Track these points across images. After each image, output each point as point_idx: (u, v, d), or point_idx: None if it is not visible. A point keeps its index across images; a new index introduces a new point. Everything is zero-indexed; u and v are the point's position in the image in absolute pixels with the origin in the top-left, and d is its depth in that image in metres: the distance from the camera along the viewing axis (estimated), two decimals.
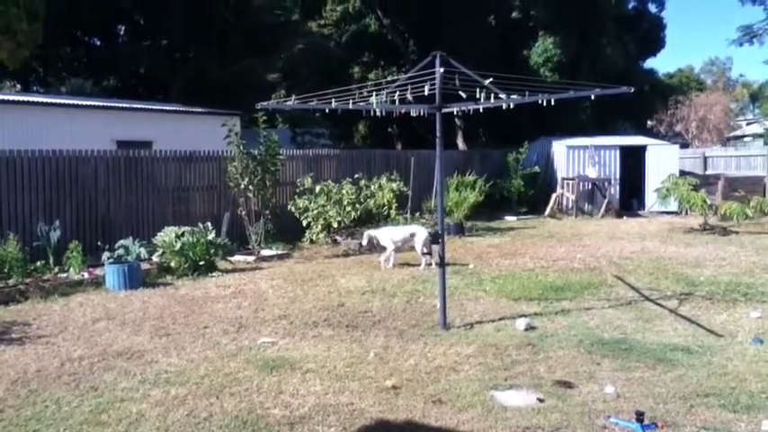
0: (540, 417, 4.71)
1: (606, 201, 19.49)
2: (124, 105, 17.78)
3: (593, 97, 7.16)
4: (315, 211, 13.41)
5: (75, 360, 6.13)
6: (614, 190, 20.18)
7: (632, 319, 7.36)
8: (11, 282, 9.03)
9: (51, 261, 9.98)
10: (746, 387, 5.23)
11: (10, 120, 13.92)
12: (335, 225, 13.33)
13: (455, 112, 7.88)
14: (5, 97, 16.76)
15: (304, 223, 13.53)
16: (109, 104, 17.75)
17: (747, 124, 43.65)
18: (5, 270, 9.23)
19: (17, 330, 7.24)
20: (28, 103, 15.68)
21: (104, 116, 16.27)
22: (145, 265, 10.30)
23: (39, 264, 9.79)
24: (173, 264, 10.44)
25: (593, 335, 6.75)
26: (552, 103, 6.79)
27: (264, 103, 8.01)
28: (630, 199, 20.39)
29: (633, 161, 20.38)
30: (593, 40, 24.17)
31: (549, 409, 4.84)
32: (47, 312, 8.08)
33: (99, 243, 10.71)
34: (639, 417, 4.49)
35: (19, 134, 13.43)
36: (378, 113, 7.18)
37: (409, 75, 7.09)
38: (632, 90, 6.77)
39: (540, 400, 5.02)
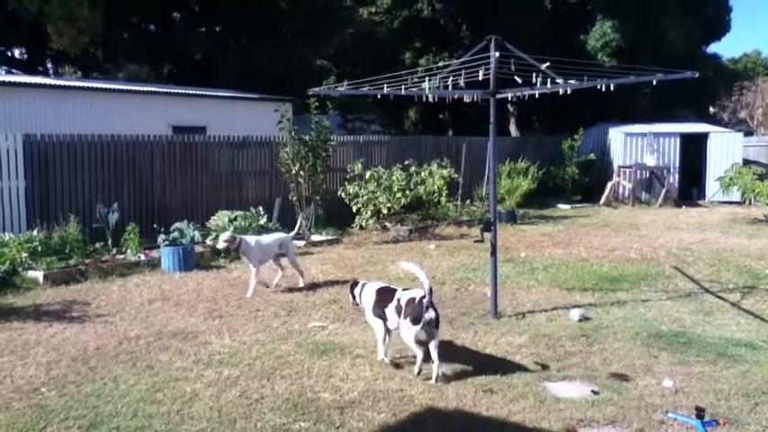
0: (595, 409, 4.60)
1: (665, 190, 18.92)
2: (179, 91, 18.09)
3: (654, 83, 6.89)
4: (365, 198, 13.41)
5: (132, 339, 6.29)
6: (673, 178, 19.57)
7: (692, 312, 7.12)
8: (71, 262, 9.32)
9: (110, 243, 10.26)
10: None
11: (71, 105, 14.33)
12: (385, 211, 13.30)
13: (509, 98, 7.74)
14: (68, 83, 17.28)
15: (354, 209, 13.55)
16: (165, 90, 18.10)
17: None
18: (66, 251, 9.53)
19: (77, 309, 7.47)
20: (88, 88, 16.11)
21: (160, 102, 16.60)
22: (198, 248, 10.50)
23: (98, 245, 10.08)
24: None
25: (651, 327, 6.55)
26: (612, 88, 6.59)
27: (317, 89, 8.01)
28: (690, 188, 19.77)
29: (694, 149, 19.73)
30: (654, 24, 23.35)
31: (604, 402, 4.72)
32: (105, 292, 8.31)
33: (155, 226, 10.96)
34: (700, 413, 4.32)
35: (79, 119, 13.82)
36: (430, 99, 7.08)
37: (463, 60, 6.96)
38: (696, 75, 6.49)
39: (595, 393, 4.90)
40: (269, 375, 5.28)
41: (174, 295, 8.13)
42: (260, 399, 4.82)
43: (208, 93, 18.36)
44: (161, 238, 10.33)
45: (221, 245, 8.21)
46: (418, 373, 5.21)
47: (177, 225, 10.80)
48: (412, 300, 5.20)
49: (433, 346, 5.12)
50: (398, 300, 5.30)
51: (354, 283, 5.94)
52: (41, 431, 4.34)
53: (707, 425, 4.25)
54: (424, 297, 5.11)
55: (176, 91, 18.08)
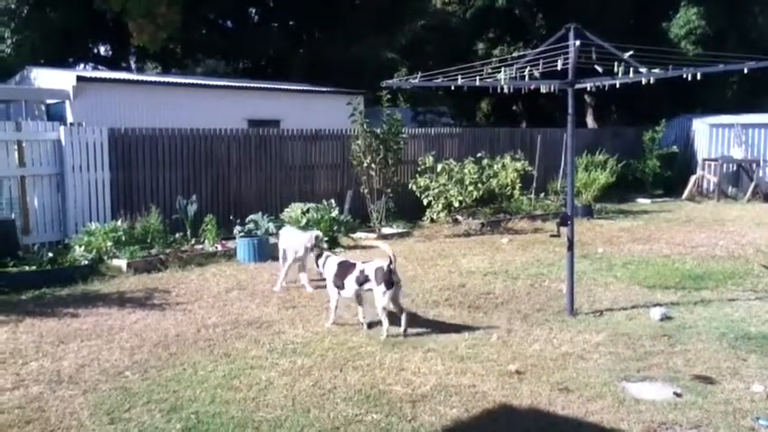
0: (678, 412, 4.41)
1: (753, 184, 17.93)
2: (254, 85, 18.48)
3: (745, 71, 6.52)
4: (436, 190, 13.32)
5: (210, 327, 6.47)
6: (763, 172, 18.51)
7: None
8: (153, 251, 9.67)
9: (188, 233, 10.59)
10: None
11: (154, 99, 14.87)
12: (456, 205, 13.17)
13: (587, 89, 7.48)
14: (151, 78, 17.97)
15: (425, 202, 13.48)
16: (240, 84, 18.53)
17: None
18: (148, 240, 9.90)
19: (158, 297, 7.75)
20: (169, 83, 16.68)
21: (236, 96, 17.00)
22: (272, 240, 10.67)
23: (177, 235, 10.43)
24: None
25: (738, 328, 6.22)
26: (698, 77, 6.27)
27: (390, 81, 7.97)
28: None
29: None
30: (742, 9, 22.15)
31: (688, 405, 4.51)
32: (184, 281, 8.59)
33: (231, 217, 11.23)
34: None
35: (161, 113, 14.33)
36: (504, 90, 6.93)
37: (540, 49, 6.77)
38: None
39: (677, 395, 4.69)
40: (341, 366, 5.32)
41: (249, 285, 8.31)
42: (333, 389, 4.85)
43: (282, 86, 18.69)
44: (237, 229, 10.58)
45: (309, 243, 7.75)
46: (386, 337, 5.96)
47: (252, 217, 11.04)
48: (380, 268, 6.05)
49: (401, 305, 6.13)
50: (361, 271, 6.15)
51: (319, 255, 6.80)
52: (126, 412, 4.52)
53: None
54: (390, 264, 5.97)
55: (252, 85, 18.48)
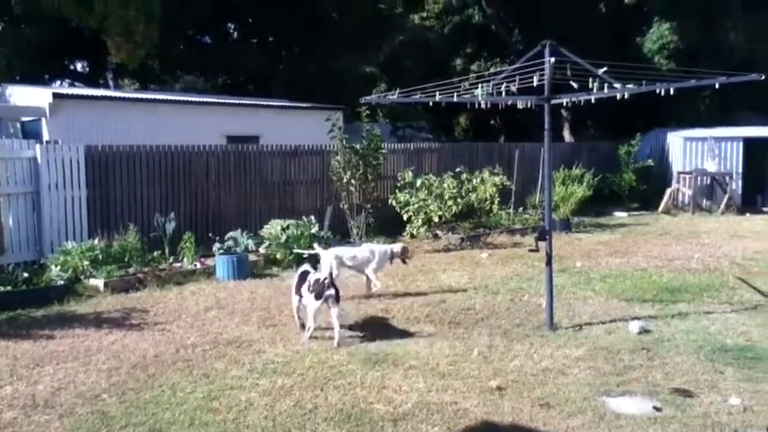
0: (657, 426, 4.44)
1: (727, 196, 18.23)
2: (233, 101, 18.43)
3: (716, 86, 6.66)
4: (415, 205, 13.36)
5: (189, 347, 6.40)
6: (736, 185, 18.84)
7: (759, 325, 6.82)
8: (131, 270, 9.56)
9: (167, 251, 10.49)
10: None
11: (131, 116, 14.75)
12: (436, 219, 13.21)
13: (563, 104, 7.58)
14: (129, 95, 17.84)
15: (404, 217, 13.51)
16: (219, 100, 18.46)
17: None
18: (126, 259, 9.79)
19: (136, 317, 7.65)
20: (147, 100, 16.58)
21: (215, 112, 16.93)
22: (252, 257, 10.64)
23: (155, 254, 10.32)
24: (278, 255, 10.72)
25: (715, 341, 6.30)
26: (671, 92, 6.38)
27: (368, 98, 8.02)
28: (754, 195, 18.98)
29: (758, 154, 18.94)
30: (714, 25, 22.58)
31: (667, 419, 4.55)
32: (163, 300, 8.49)
33: (210, 234, 11.16)
34: None
35: (138, 130, 14.21)
36: (482, 106, 7.00)
37: (516, 65, 6.86)
38: (762, 77, 6.24)
39: (657, 409, 4.73)
40: (322, 385, 5.29)
41: (228, 303, 8.25)
42: (314, 409, 4.82)
43: (261, 102, 18.65)
44: (216, 246, 10.51)
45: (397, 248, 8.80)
46: (309, 338, 6.45)
47: (231, 234, 10.97)
48: (317, 280, 6.53)
49: (334, 316, 6.40)
50: (308, 281, 6.60)
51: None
52: None
53: None
54: (326, 279, 6.46)
55: (231, 101, 18.43)
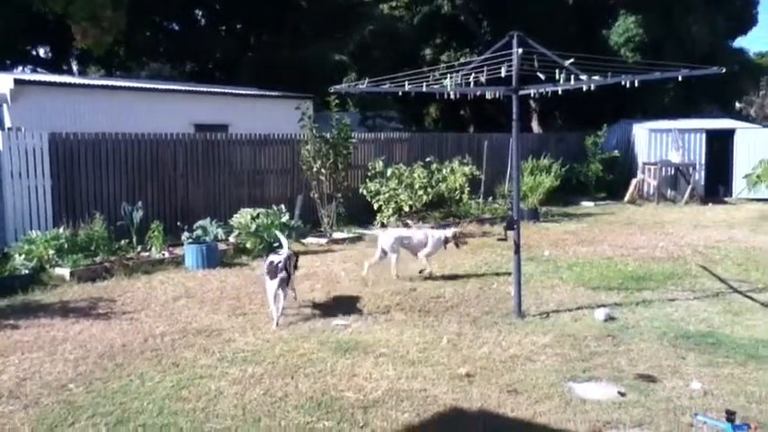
0: (622, 411, 4.54)
1: (690, 187, 18.64)
2: (202, 89, 18.21)
3: (679, 78, 6.81)
4: (386, 195, 13.40)
5: (158, 336, 6.34)
6: (699, 175, 19.29)
7: (720, 312, 7.00)
8: (97, 259, 9.43)
9: (134, 240, 10.36)
10: None
11: (97, 103, 14.48)
12: (407, 209, 13.28)
13: (531, 95, 7.66)
14: (94, 82, 17.47)
15: (375, 206, 13.54)
16: (187, 88, 18.22)
17: None
18: (92, 248, 9.64)
19: (103, 306, 7.56)
20: (113, 87, 16.29)
21: (183, 100, 16.72)
22: (222, 246, 10.56)
23: (123, 243, 10.18)
24: (248, 245, 10.66)
25: (678, 327, 6.46)
26: (636, 84, 6.50)
27: (338, 87, 7.99)
28: (717, 185, 19.45)
29: (720, 145, 19.42)
30: (677, 19, 22.99)
31: (631, 404, 4.66)
32: (130, 289, 8.39)
33: (178, 223, 11.05)
34: (730, 416, 4.24)
35: (104, 118, 13.96)
36: (451, 96, 7.04)
37: (484, 56, 6.91)
38: (723, 70, 6.40)
39: (622, 394, 4.84)
40: (293, 373, 5.29)
41: (198, 292, 8.19)
42: (284, 397, 4.83)
43: (230, 90, 18.46)
44: (185, 235, 10.41)
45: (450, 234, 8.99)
46: (276, 325, 6.60)
47: (200, 223, 10.88)
48: (271, 262, 6.83)
49: (281, 298, 6.69)
50: (269, 262, 6.88)
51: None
52: (69, 427, 4.39)
53: (737, 429, 4.17)
54: (280, 262, 6.69)
55: (199, 89, 18.21)
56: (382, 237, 8.99)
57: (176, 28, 27.63)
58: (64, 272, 8.87)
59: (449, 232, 9.12)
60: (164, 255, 10.03)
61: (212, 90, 18.09)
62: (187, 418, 4.48)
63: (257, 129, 13.73)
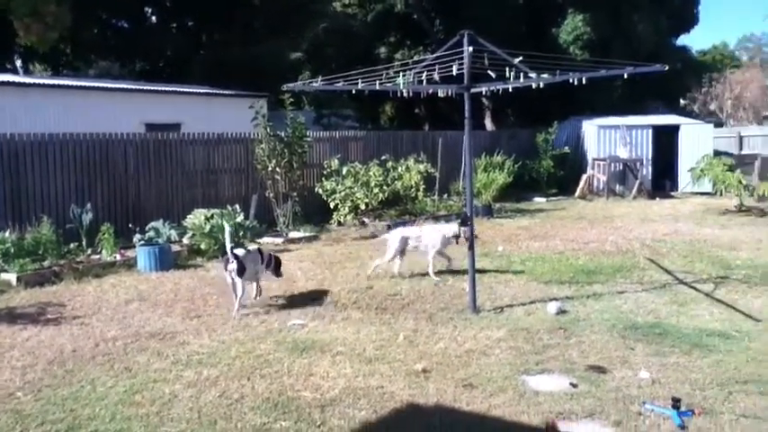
0: (573, 402, 4.65)
1: (638, 182, 19.15)
2: (152, 88, 17.89)
3: (625, 76, 7.00)
4: (342, 193, 13.39)
5: (110, 341, 6.22)
6: (646, 171, 19.83)
7: (666, 303, 7.23)
8: (45, 263, 9.18)
9: (84, 243, 10.11)
10: None
11: (42, 103, 14.08)
12: (363, 207, 13.30)
13: (483, 92, 7.76)
14: (40, 81, 16.97)
15: (331, 205, 13.53)
16: (137, 87, 17.87)
17: None
18: (40, 252, 9.38)
19: (52, 311, 7.36)
20: (59, 86, 15.85)
21: (133, 99, 16.40)
22: (175, 247, 10.41)
23: (72, 246, 9.93)
24: (203, 246, 10.52)
25: (627, 319, 6.65)
26: (583, 82, 6.64)
27: (291, 85, 7.95)
28: (663, 180, 20.03)
29: (666, 141, 20.00)
30: (624, 17, 23.60)
31: (583, 395, 4.78)
32: (81, 293, 8.20)
33: (130, 225, 10.83)
34: (676, 403, 4.40)
35: (51, 118, 13.60)
36: (404, 94, 7.09)
37: (436, 54, 6.98)
38: (666, 68, 6.59)
39: (573, 385, 4.95)
40: (249, 375, 5.26)
41: (151, 295, 8.05)
42: (240, 399, 4.80)
43: (182, 89, 18.19)
44: (136, 237, 10.22)
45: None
46: (237, 310, 7.00)
47: (153, 224, 10.70)
48: (225, 254, 7.25)
49: (238, 287, 7.04)
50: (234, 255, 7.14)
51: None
52: None
53: (682, 415, 4.34)
54: (227, 255, 7.10)
55: (149, 88, 17.88)
56: (390, 236, 8.98)
57: (125, 25, 27.04)
58: (10, 277, 8.61)
59: (455, 228, 8.87)
60: (115, 258, 9.82)
61: (163, 89, 17.80)
62: (140, 423, 4.41)
63: (210, 128, 13.55)
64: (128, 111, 15.23)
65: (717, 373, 5.11)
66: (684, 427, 4.23)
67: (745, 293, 7.61)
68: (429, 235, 8.89)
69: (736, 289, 7.81)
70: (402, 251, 8.84)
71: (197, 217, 10.89)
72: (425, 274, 8.74)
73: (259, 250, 7.79)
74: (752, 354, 5.54)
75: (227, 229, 7.51)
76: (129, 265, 9.69)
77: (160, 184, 12.32)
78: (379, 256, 9.09)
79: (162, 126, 14.42)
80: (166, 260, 9.65)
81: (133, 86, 17.89)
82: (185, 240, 10.87)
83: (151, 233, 10.45)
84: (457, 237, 8.69)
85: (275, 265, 7.84)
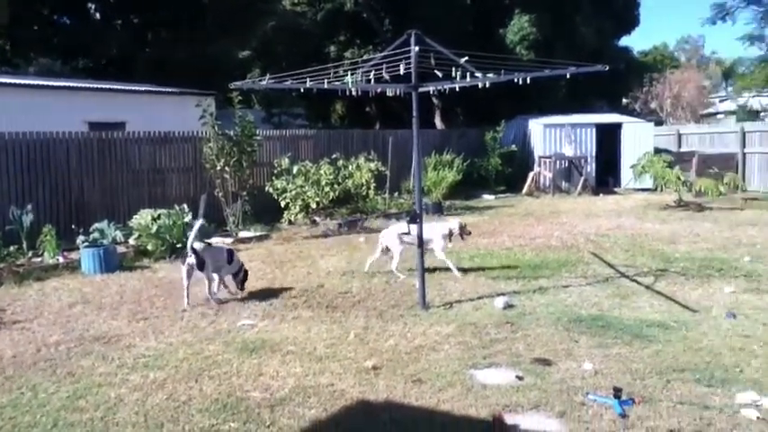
0: (519, 394, 4.76)
1: (583, 178, 19.64)
2: (96, 86, 17.43)
3: (568, 76, 7.18)
4: (293, 192, 13.33)
5: (52, 345, 6.06)
6: (590, 167, 20.34)
7: (609, 296, 7.45)
8: None
9: (25, 246, 9.81)
10: (721, 361, 5.33)
11: None
12: (314, 206, 13.27)
13: (432, 91, 7.83)
14: None
15: (282, 204, 13.45)
16: (80, 85, 17.39)
17: (720, 101, 44.05)
18: None
19: None
20: None
21: (76, 97, 15.95)
22: (121, 249, 10.19)
23: (12, 248, 9.62)
24: (149, 247, 10.33)
25: (571, 312, 6.82)
26: (528, 81, 6.77)
27: (238, 83, 7.87)
28: (606, 176, 20.58)
29: (609, 139, 20.54)
30: (568, 19, 24.14)
31: (528, 387, 4.89)
32: (21, 297, 7.95)
33: (73, 227, 10.56)
34: (617, 393, 4.53)
35: None
36: (354, 93, 7.11)
37: (384, 54, 7.02)
38: (607, 68, 6.76)
39: (519, 378, 5.06)
40: (197, 376, 5.20)
41: (95, 298, 7.87)
42: (188, 401, 4.74)
43: (126, 87, 17.78)
44: (80, 239, 9.97)
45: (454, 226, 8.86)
46: (187, 304, 7.20)
47: (97, 225, 10.45)
48: (185, 249, 7.50)
49: (205, 278, 7.31)
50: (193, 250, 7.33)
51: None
52: None
53: (624, 404, 4.46)
54: (186, 251, 7.32)
55: (93, 86, 17.42)
56: (385, 234, 8.91)
57: (67, 22, 26.24)
58: None
59: (454, 224, 8.95)
60: (58, 260, 9.56)
61: (106, 87, 17.36)
62: (84, 429, 4.32)
63: (157, 127, 13.30)
64: (70, 109, 14.80)
65: (656, 363, 5.30)
66: (625, 415, 4.36)
67: (683, 285, 7.90)
68: (428, 231, 8.75)
69: (675, 281, 8.10)
70: (387, 249, 8.82)
71: (143, 217, 10.68)
72: (390, 272, 8.73)
73: (229, 251, 7.91)
74: (689, 343, 5.77)
75: (197, 224, 7.62)
76: (73, 267, 9.44)
77: (105, 184, 12.04)
78: (370, 253, 9.09)
79: (106, 125, 14.09)
80: (111, 262, 9.44)
81: (76, 84, 17.40)
82: (131, 241, 10.65)
83: (95, 234, 10.21)
84: (451, 235, 8.76)
85: (242, 278, 7.79)
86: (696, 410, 4.43)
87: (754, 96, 34.69)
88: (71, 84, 17.45)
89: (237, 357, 5.62)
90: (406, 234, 8.65)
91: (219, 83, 17.68)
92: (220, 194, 12.60)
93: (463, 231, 8.97)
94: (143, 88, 18.09)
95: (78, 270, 9.37)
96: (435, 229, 8.81)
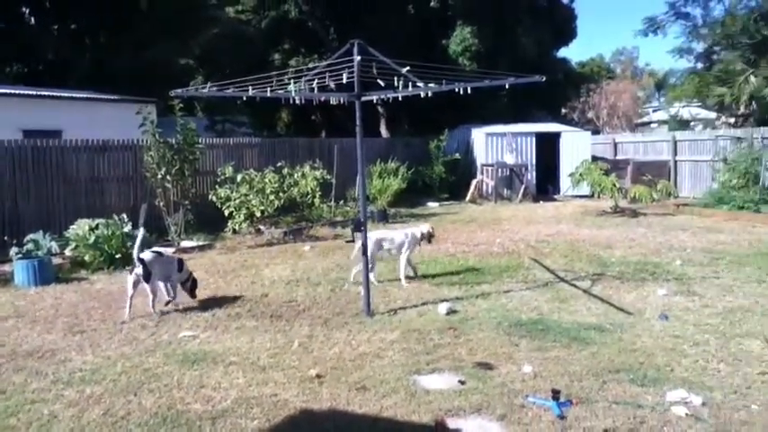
0: (462, 398, 4.83)
1: (523, 186, 20.08)
2: (30, 92, 16.87)
3: (507, 86, 7.35)
4: (237, 201, 13.17)
5: None
6: (531, 175, 20.81)
7: (548, 300, 7.63)
8: None
9: None
10: (653, 361, 5.54)
11: None
12: (258, 214, 13.14)
13: (376, 100, 7.90)
14: None
15: (226, 213, 13.27)
16: (14, 92, 16.79)
17: (653, 111, 45.73)
18: None
19: None
20: None
21: (9, 104, 15.40)
22: (57, 260, 9.88)
23: None
24: (87, 258, 10.04)
25: (512, 317, 6.96)
26: (469, 91, 6.90)
27: (179, 90, 7.75)
28: (546, 184, 21.09)
29: (548, 147, 21.06)
30: (508, 30, 24.69)
31: (470, 391, 4.97)
32: None
33: (5, 238, 10.18)
34: (555, 395, 4.68)
35: None
36: (298, 101, 7.11)
37: (328, 62, 7.05)
38: (544, 79, 6.93)
39: (462, 383, 5.14)
40: (135, 390, 5.09)
41: (28, 311, 7.60)
42: (126, 415, 4.64)
43: (63, 94, 17.27)
44: (13, 250, 9.62)
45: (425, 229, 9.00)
46: (128, 315, 7.12)
47: (31, 236, 10.10)
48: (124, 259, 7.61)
49: (149, 290, 7.20)
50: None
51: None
52: None
53: (562, 405, 4.61)
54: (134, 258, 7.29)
55: (27, 92, 16.85)
56: (359, 240, 8.77)
57: (0, 26, 25.28)
58: None
59: (424, 228, 9.03)
60: None
61: (42, 93, 16.82)
62: None
63: (95, 134, 12.97)
64: (3, 117, 14.28)
65: (592, 364, 5.47)
66: (563, 416, 4.51)
67: (618, 289, 8.16)
68: (400, 237, 8.85)
69: (611, 285, 8.37)
70: (375, 254, 8.70)
71: (81, 227, 10.38)
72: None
73: (179, 260, 7.87)
74: (623, 345, 5.97)
75: (140, 233, 7.49)
76: (5, 280, 9.11)
77: (40, 193, 11.66)
78: (354, 263, 8.80)
79: (41, 132, 13.65)
80: (47, 274, 9.14)
81: (9, 91, 16.79)
82: (68, 252, 10.33)
83: (30, 246, 9.86)
84: (422, 237, 8.88)
85: (191, 286, 7.71)
86: (630, 409, 4.59)
87: (684, 106, 36.12)
88: (4, 90, 16.83)
89: (178, 369, 5.53)
90: (387, 240, 8.77)
91: (161, 90, 17.34)
92: (162, 204, 12.35)
93: (431, 235, 9.10)
94: (81, 95, 17.61)
95: (11, 283, 9.04)
96: (408, 232, 8.91)
